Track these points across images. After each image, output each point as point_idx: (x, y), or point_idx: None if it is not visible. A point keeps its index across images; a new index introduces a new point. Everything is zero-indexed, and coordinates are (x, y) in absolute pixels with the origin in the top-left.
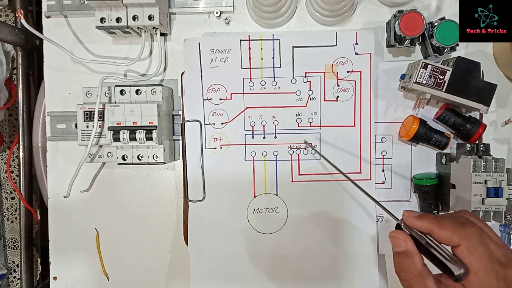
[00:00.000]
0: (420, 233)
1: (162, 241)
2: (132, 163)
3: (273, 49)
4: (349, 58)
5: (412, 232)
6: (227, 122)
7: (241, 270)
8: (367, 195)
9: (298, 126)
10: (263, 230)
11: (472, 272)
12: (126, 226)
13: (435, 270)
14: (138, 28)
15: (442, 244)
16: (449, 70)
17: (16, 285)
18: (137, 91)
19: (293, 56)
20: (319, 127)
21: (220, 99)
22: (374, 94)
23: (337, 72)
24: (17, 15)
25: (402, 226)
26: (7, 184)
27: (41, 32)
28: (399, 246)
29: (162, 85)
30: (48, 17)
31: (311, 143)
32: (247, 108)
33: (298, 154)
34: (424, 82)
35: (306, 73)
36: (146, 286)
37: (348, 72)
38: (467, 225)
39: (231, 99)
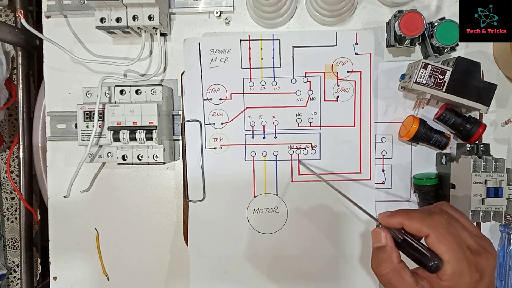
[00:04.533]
0: (396, 232)
1: (162, 241)
2: (132, 163)
3: (273, 49)
4: (349, 58)
5: (390, 231)
6: (227, 122)
7: (241, 270)
8: (348, 198)
9: (298, 126)
10: (263, 230)
11: (444, 261)
12: (126, 226)
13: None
14: (138, 28)
15: (420, 241)
16: (449, 70)
17: (16, 285)
18: (137, 91)
19: (293, 56)
20: (319, 127)
21: (220, 99)
22: (374, 94)
23: (337, 72)
24: (17, 15)
25: (380, 226)
26: (7, 184)
27: (41, 32)
28: (379, 241)
29: (162, 85)
30: (48, 17)
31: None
32: (247, 108)
33: (298, 154)
34: (424, 82)
35: (306, 73)
36: (146, 286)
37: (348, 72)
38: (435, 214)
39: (231, 99)
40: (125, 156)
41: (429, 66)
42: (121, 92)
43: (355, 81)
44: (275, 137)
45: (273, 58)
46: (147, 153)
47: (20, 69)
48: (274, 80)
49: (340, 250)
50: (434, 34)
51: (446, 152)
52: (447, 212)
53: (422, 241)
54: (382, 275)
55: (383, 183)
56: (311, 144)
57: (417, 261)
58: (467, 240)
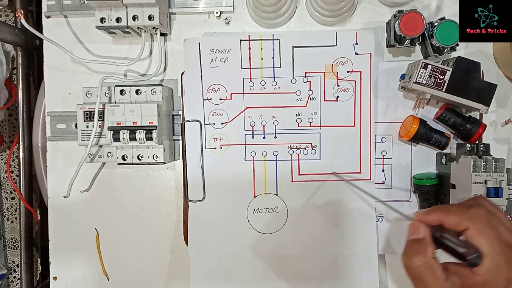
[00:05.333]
0: (434, 229)
1: (162, 241)
2: (132, 163)
3: (273, 49)
4: (349, 58)
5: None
6: (227, 122)
7: (241, 270)
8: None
9: (298, 126)
10: (263, 230)
11: (484, 255)
12: (126, 226)
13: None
14: (138, 28)
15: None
16: (449, 70)
17: (16, 285)
18: (137, 91)
19: (293, 56)
20: (319, 127)
21: (220, 99)
22: (374, 94)
23: (337, 72)
24: (17, 15)
25: None
26: (7, 184)
27: (41, 32)
28: (416, 233)
29: (162, 85)
30: (48, 17)
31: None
32: (247, 108)
33: (298, 154)
34: (424, 82)
35: (306, 73)
36: (146, 286)
37: (348, 72)
38: (474, 207)
39: (231, 99)
40: (125, 156)
41: (429, 66)
42: (121, 92)
43: (355, 81)
44: (275, 137)
45: (273, 58)
46: (147, 153)
47: (20, 69)
48: (274, 80)
49: (340, 250)
50: (434, 34)
51: (446, 152)
52: (486, 205)
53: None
54: (413, 267)
55: (383, 183)
56: (311, 144)
57: (456, 255)
58: (505, 234)
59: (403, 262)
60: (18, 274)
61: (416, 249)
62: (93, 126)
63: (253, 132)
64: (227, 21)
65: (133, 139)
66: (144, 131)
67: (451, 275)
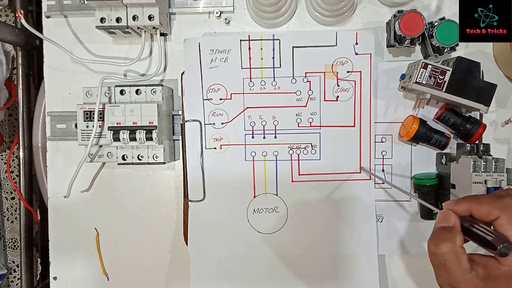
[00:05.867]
0: (463, 219)
1: (162, 241)
2: (132, 163)
3: (273, 49)
4: (349, 58)
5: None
6: (227, 122)
7: (241, 270)
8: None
9: (298, 126)
10: (263, 230)
11: None
12: (126, 226)
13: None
14: (138, 28)
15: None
16: (449, 70)
17: (16, 285)
18: (137, 91)
19: (293, 56)
20: (319, 127)
21: (220, 99)
22: (374, 94)
23: (337, 72)
24: (17, 15)
25: None
26: (7, 184)
27: (41, 32)
28: (447, 221)
29: (162, 85)
30: (48, 17)
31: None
32: (247, 108)
33: (298, 154)
34: (424, 82)
35: (306, 73)
36: (146, 286)
37: (348, 72)
38: (506, 197)
39: (231, 99)
40: (125, 156)
41: (429, 66)
42: (121, 92)
43: (355, 81)
44: (275, 137)
45: (273, 58)
46: (147, 153)
47: (20, 69)
48: (274, 80)
49: (340, 250)
50: (434, 34)
51: (446, 152)
52: None
53: None
54: (439, 253)
55: (383, 183)
56: (311, 144)
57: (485, 244)
58: None
59: (429, 248)
60: (18, 274)
61: (444, 236)
62: (93, 126)
63: (253, 132)
64: (227, 21)
65: (133, 139)
66: (144, 131)
67: (476, 266)
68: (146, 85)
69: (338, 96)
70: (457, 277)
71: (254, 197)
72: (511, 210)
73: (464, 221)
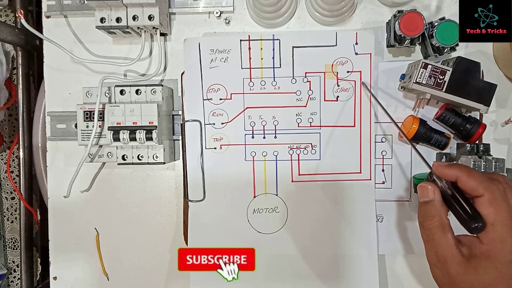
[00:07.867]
0: (447, 186)
1: (162, 241)
2: (132, 163)
3: (273, 49)
4: (349, 58)
5: (441, 184)
6: (227, 122)
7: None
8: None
9: (298, 126)
10: (263, 230)
11: (488, 223)
12: (126, 226)
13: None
14: (138, 28)
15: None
16: (449, 70)
17: (16, 285)
18: (137, 91)
19: (293, 56)
20: (319, 127)
21: (220, 99)
22: (374, 94)
23: (337, 72)
24: (17, 15)
25: (433, 176)
26: (7, 184)
27: (41, 32)
28: (426, 195)
29: (162, 85)
30: (48, 17)
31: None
32: (247, 108)
33: (298, 154)
34: (424, 82)
35: (306, 73)
36: (146, 286)
37: (348, 72)
38: (495, 180)
39: (231, 99)
40: (125, 156)
41: (429, 66)
42: (121, 92)
43: (355, 81)
44: (275, 137)
45: (273, 58)
46: (147, 153)
47: (20, 69)
48: (274, 80)
49: (340, 250)
50: (434, 34)
51: (446, 152)
52: (507, 182)
53: None
54: (427, 228)
55: (383, 183)
56: (311, 144)
57: (460, 218)
58: None
59: (419, 223)
60: (18, 274)
61: (429, 211)
62: (93, 126)
63: (253, 132)
64: (227, 21)
65: (133, 139)
66: (144, 131)
67: (462, 246)
68: (146, 85)
69: (338, 96)
70: (444, 250)
71: (254, 197)
72: (495, 193)
73: (447, 189)
